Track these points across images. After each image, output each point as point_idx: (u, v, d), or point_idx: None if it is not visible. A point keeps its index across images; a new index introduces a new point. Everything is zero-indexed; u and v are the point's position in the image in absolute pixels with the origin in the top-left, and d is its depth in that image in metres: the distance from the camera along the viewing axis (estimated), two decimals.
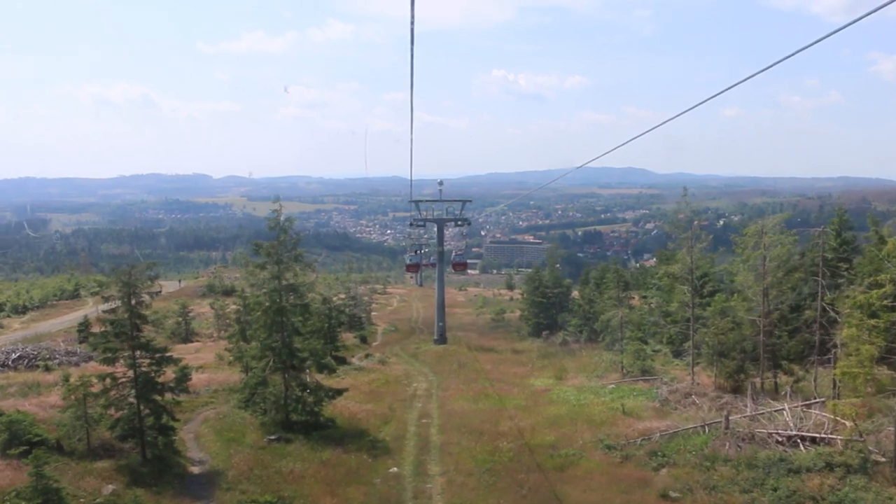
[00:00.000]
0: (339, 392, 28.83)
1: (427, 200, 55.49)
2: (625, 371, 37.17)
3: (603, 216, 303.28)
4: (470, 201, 56.78)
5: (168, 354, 24.23)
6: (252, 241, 28.78)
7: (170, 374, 24.09)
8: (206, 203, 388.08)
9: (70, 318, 64.20)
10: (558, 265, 74.13)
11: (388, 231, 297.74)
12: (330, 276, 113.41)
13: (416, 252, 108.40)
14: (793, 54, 9.20)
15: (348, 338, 53.73)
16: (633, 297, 54.22)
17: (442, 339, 52.18)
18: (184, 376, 24.75)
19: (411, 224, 56.09)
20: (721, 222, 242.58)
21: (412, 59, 12.27)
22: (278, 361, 27.62)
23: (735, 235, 34.06)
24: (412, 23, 10.33)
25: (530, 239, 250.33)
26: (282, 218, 27.60)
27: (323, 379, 29.28)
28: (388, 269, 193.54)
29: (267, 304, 27.21)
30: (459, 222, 54.73)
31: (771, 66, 9.75)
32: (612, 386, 34.82)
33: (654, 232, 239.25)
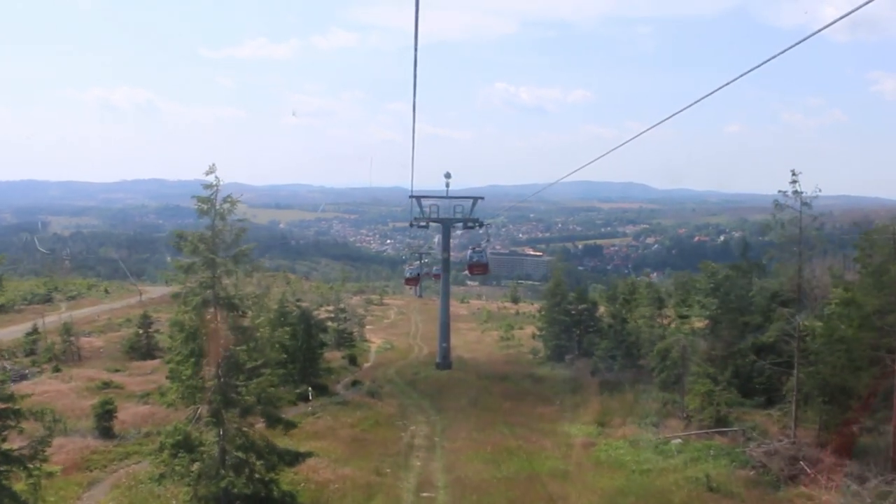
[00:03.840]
0: (302, 456, 18.98)
1: (430, 196, 45.43)
2: (689, 418, 27.34)
3: (603, 230, 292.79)
4: (482, 199, 46.75)
5: (15, 407, 14.47)
6: (174, 232, 18.85)
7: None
8: None
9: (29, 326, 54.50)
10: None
11: (389, 241, 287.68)
12: (324, 285, 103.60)
13: (416, 263, 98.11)
14: (771, 59, 9.65)
15: (334, 358, 43.88)
16: (668, 317, 44.30)
17: (446, 364, 42.32)
18: (42, 441, 14.99)
19: (412, 224, 45.99)
20: (721, 238, 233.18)
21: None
22: (209, 411, 17.84)
23: (863, 235, 24.36)
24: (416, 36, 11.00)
25: (530, 251, 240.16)
26: (218, 198, 17.79)
27: (277, 436, 19.40)
28: (387, 278, 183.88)
29: (193, 324, 17.42)
30: (470, 223, 44.83)
31: (745, 74, 10.43)
32: (678, 441, 24.99)
33: (655, 247, 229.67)
